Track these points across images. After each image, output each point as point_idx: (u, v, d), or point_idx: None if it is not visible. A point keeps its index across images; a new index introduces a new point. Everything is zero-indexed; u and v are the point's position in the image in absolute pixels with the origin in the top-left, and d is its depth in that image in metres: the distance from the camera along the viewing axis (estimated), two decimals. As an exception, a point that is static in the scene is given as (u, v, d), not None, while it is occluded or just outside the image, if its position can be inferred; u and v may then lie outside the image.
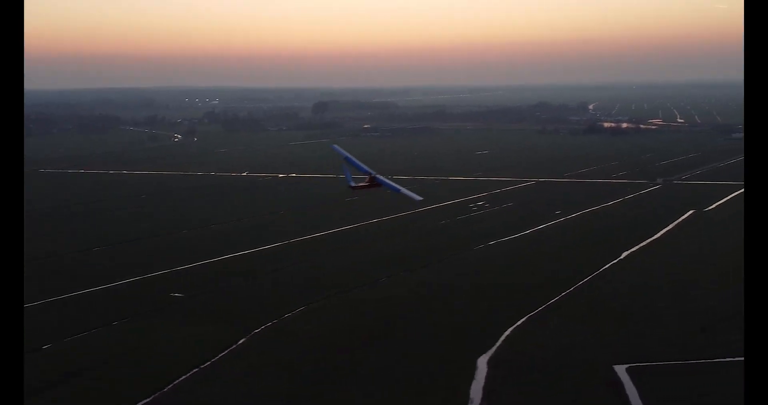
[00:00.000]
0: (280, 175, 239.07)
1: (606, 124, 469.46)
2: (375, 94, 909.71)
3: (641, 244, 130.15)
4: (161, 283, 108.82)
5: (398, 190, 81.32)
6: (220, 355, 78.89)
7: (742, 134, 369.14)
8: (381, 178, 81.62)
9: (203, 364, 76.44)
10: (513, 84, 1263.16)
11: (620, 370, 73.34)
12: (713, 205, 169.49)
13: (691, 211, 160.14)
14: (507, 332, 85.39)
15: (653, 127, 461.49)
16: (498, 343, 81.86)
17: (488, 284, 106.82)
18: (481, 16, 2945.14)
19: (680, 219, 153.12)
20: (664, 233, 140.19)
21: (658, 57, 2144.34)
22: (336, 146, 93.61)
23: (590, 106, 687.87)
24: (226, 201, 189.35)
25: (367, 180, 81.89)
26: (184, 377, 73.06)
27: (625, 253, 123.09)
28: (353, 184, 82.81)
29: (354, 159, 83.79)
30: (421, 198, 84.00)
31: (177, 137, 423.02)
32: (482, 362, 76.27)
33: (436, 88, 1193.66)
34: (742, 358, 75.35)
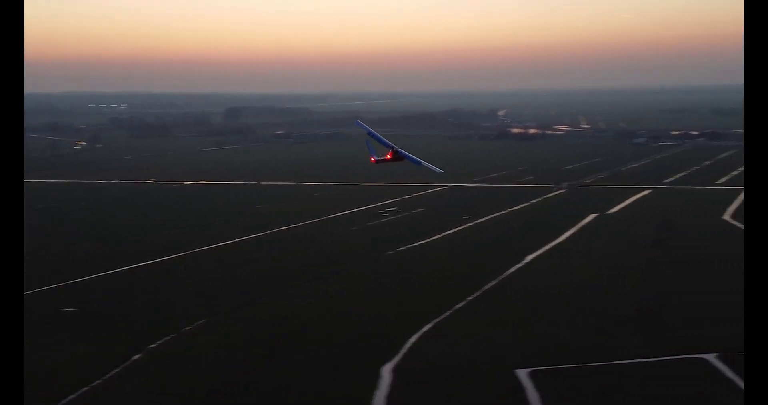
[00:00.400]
0: (186, 183, 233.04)
1: (515, 130, 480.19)
2: (291, 100, 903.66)
3: (545, 248, 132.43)
4: (50, 297, 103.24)
5: (420, 163, 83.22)
6: (112, 373, 74.96)
7: (644, 140, 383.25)
8: (403, 151, 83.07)
9: (93, 382, 72.41)
10: (425, 90, 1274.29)
11: (522, 374, 73.61)
12: (615, 209, 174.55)
13: (593, 215, 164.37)
14: (412, 339, 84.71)
15: (559, 132, 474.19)
16: (403, 351, 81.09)
17: (395, 291, 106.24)
18: (396, 24, 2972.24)
19: (583, 222, 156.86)
20: (567, 236, 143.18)
21: (569, 64, 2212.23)
22: (359, 122, 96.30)
23: (500, 113, 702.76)
24: (132, 209, 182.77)
25: (389, 154, 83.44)
26: (71, 397, 68.96)
27: (529, 257, 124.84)
28: (376, 157, 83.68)
29: (377, 134, 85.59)
30: (441, 171, 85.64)
31: (79, 144, 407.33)
32: (387, 370, 75.19)
33: (351, 94, 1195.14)
34: (641, 360, 77.37)
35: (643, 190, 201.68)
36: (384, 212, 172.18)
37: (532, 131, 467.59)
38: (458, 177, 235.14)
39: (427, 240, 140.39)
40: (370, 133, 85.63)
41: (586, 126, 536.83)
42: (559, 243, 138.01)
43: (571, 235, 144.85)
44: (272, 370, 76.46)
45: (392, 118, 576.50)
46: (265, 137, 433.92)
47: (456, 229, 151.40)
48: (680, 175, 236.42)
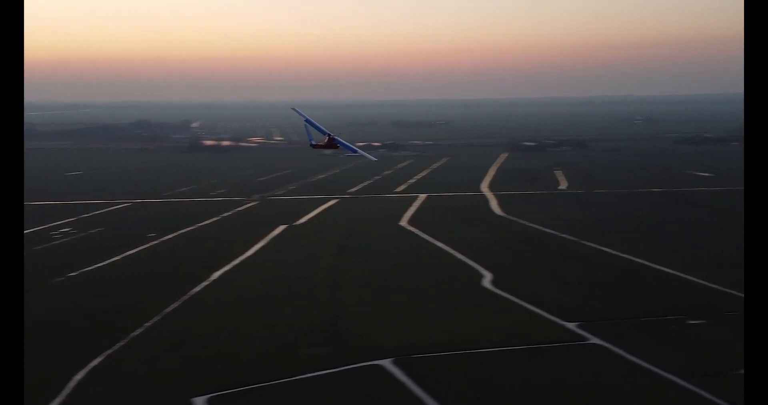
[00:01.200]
0: None
1: (208, 142, 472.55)
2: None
3: (234, 263, 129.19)
4: None
5: (355, 152, 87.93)
6: None
7: (330, 151, 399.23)
8: (339, 139, 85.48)
9: None
10: (116, 101, 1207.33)
11: (200, 402, 69.37)
12: (303, 219, 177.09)
13: (282, 226, 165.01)
14: (78, 376, 76.02)
15: (253, 145, 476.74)
16: (66, 391, 72.26)
17: (65, 322, 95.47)
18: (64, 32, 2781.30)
19: (272, 234, 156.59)
20: (256, 250, 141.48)
21: (262, 77, 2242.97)
22: (296, 108, 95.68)
23: (194, 125, 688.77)
24: None
25: (325, 140, 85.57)
26: None
27: (216, 274, 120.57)
28: (314, 142, 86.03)
29: (313, 121, 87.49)
30: (376, 159, 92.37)
31: None
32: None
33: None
34: (320, 373, 77.10)
35: (330, 200, 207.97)
36: (56, 234, 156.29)
37: (225, 143, 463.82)
38: (145, 192, 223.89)
39: (104, 262, 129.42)
40: (306, 120, 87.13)
41: (279, 138, 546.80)
42: (248, 257, 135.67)
43: (261, 248, 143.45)
44: None
45: (72, 129, 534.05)
46: None
47: (138, 248, 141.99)
48: (364, 184, 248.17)
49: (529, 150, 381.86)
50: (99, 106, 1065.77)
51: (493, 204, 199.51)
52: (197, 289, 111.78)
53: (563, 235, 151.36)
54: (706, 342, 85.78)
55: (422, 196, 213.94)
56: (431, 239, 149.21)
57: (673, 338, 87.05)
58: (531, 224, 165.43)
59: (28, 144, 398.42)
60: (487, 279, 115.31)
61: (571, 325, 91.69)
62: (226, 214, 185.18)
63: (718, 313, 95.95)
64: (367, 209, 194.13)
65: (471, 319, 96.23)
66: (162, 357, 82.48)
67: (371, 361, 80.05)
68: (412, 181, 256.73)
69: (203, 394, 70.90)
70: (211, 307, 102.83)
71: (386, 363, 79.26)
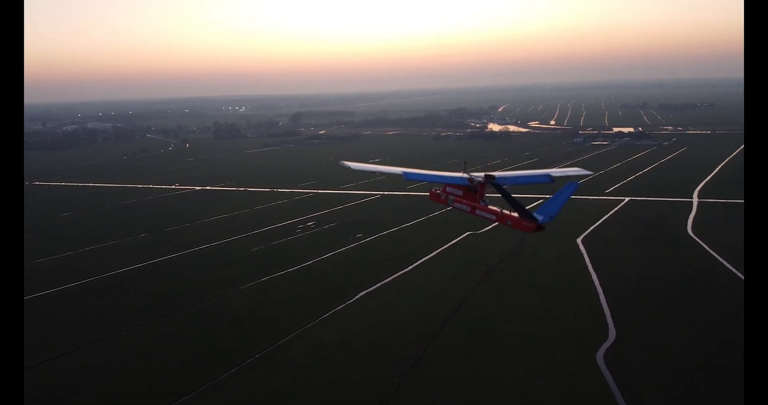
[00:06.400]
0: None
1: (492, 128, 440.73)
2: (340, 101, 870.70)
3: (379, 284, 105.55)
4: None
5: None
6: None
7: (581, 139, 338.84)
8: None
9: None
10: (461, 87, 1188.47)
11: None
12: (488, 226, 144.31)
13: (468, 233, 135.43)
14: None
15: (536, 130, 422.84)
16: None
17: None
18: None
19: (455, 241, 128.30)
20: (424, 259, 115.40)
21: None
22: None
23: (500, 109, 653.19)
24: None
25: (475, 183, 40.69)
26: None
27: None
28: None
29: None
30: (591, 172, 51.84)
31: (171, 145, 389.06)
32: None
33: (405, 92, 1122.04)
34: None
35: (537, 200, 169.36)
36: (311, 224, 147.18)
37: (497, 129, 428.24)
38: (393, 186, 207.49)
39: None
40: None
41: (552, 123, 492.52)
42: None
43: (430, 258, 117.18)
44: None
45: (409, 117, 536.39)
46: (304, 138, 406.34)
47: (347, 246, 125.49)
48: (583, 180, 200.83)
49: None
50: (444, 92, 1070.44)
51: (692, 216, 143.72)
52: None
53: (738, 274, 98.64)
54: None
55: (625, 200, 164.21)
56: (590, 268, 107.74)
57: None
58: (715, 254, 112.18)
59: (370, 131, 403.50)
60: (600, 350, 74.59)
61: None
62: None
63: None
64: (561, 214, 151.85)
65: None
66: None
67: None
68: (630, 178, 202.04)
69: None
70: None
71: None
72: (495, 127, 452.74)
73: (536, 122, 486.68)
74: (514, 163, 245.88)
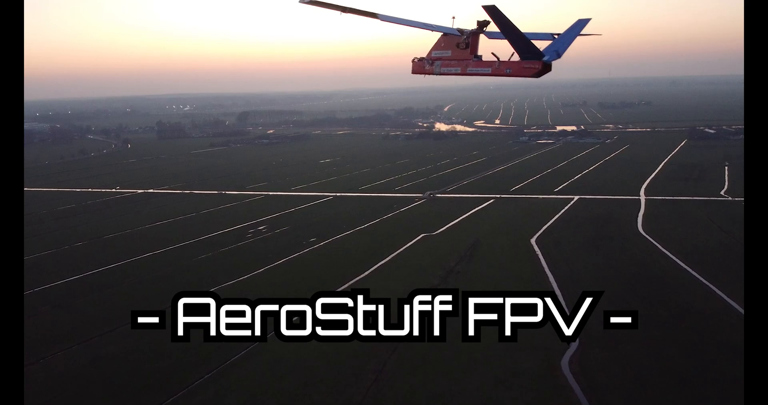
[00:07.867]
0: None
1: (440, 127, 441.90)
2: (289, 99, 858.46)
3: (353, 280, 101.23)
4: None
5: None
6: None
7: (527, 138, 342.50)
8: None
9: None
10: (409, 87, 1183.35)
11: None
12: (442, 228, 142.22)
13: (422, 235, 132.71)
14: None
15: (483, 130, 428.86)
16: None
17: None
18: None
19: (407, 245, 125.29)
20: (378, 265, 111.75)
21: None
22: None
23: (445, 108, 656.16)
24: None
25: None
26: None
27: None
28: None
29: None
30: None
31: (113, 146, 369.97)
32: None
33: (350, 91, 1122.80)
34: None
35: (488, 200, 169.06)
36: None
37: (444, 129, 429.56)
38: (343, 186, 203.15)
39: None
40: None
41: (497, 122, 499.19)
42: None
43: (385, 262, 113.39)
44: None
45: (357, 117, 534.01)
46: (251, 138, 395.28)
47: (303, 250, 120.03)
48: (531, 179, 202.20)
49: (708, 138, 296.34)
50: (395, 92, 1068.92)
51: (641, 215, 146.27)
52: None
53: (693, 273, 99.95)
54: None
55: (575, 199, 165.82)
56: (546, 269, 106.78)
57: None
58: (664, 250, 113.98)
59: (318, 131, 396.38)
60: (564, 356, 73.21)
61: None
62: (386, 216, 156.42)
63: None
64: (513, 214, 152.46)
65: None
66: None
67: None
68: (577, 177, 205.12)
69: None
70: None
71: None
72: (442, 126, 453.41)
73: (482, 121, 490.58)
74: (464, 163, 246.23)
